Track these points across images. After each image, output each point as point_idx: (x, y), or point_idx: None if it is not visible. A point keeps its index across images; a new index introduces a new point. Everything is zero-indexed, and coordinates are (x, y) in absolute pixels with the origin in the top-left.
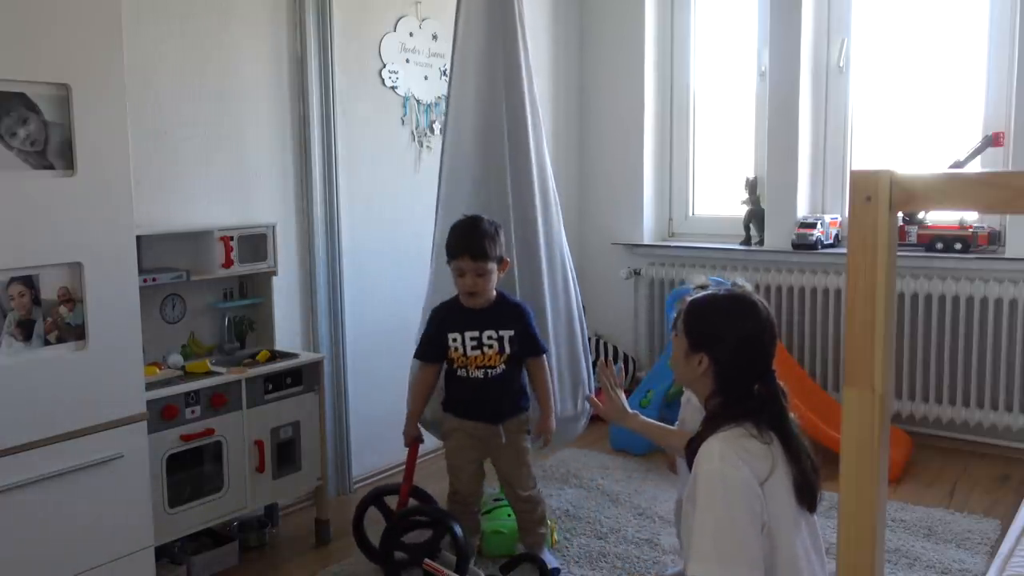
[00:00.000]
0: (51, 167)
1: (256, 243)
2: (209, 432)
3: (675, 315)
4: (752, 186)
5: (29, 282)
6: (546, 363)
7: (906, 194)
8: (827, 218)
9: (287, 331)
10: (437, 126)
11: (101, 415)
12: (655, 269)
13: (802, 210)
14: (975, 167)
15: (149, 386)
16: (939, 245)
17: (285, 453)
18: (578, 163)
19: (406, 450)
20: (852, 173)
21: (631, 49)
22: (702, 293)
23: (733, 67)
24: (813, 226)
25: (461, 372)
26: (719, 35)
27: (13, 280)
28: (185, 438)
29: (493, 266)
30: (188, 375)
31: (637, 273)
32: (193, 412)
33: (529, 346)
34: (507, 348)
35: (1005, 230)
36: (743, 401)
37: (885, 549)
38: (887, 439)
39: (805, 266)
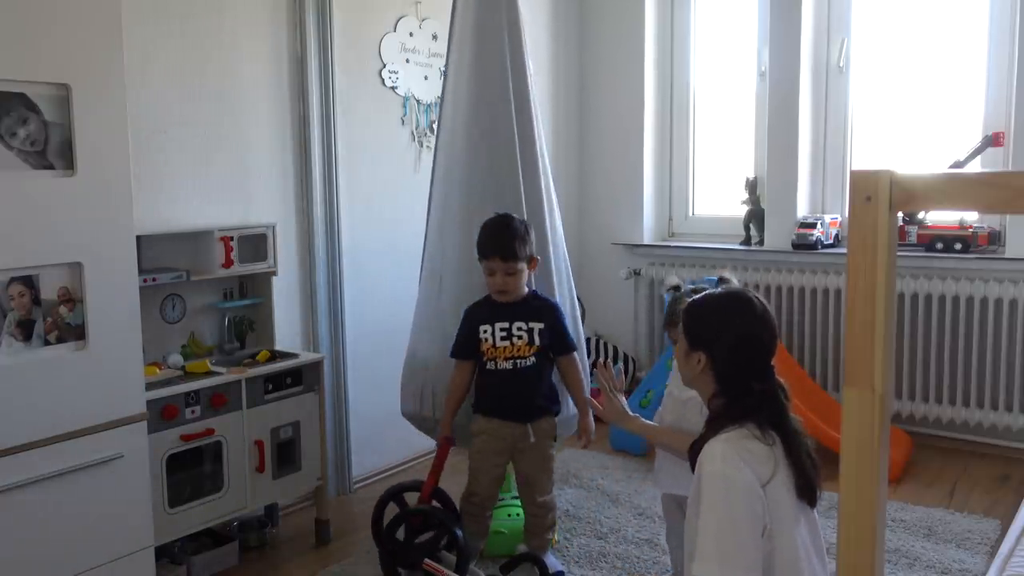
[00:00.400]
0: (51, 167)
1: (256, 243)
2: (209, 432)
3: (667, 310)
4: (752, 186)
5: (29, 282)
6: (578, 361)
7: (906, 194)
8: (827, 218)
9: (287, 331)
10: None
11: (101, 415)
12: (655, 269)
13: (802, 210)
14: (975, 167)
15: (149, 386)
16: (939, 245)
17: (285, 453)
18: (578, 163)
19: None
20: (852, 173)
21: (631, 49)
22: (701, 293)
23: (733, 67)
24: (813, 226)
25: (490, 365)
26: (719, 34)
27: (13, 280)
28: (185, 438)
29: (523, 266)
30: (188, 375)
31: (637, 273)
32: (193, 412)
33: (560, 343)
34: (536, 340)
35: (1005, 230)
36: (742, 400)
37: (885, 549)
38: (887, 439)
39: (805, 266)
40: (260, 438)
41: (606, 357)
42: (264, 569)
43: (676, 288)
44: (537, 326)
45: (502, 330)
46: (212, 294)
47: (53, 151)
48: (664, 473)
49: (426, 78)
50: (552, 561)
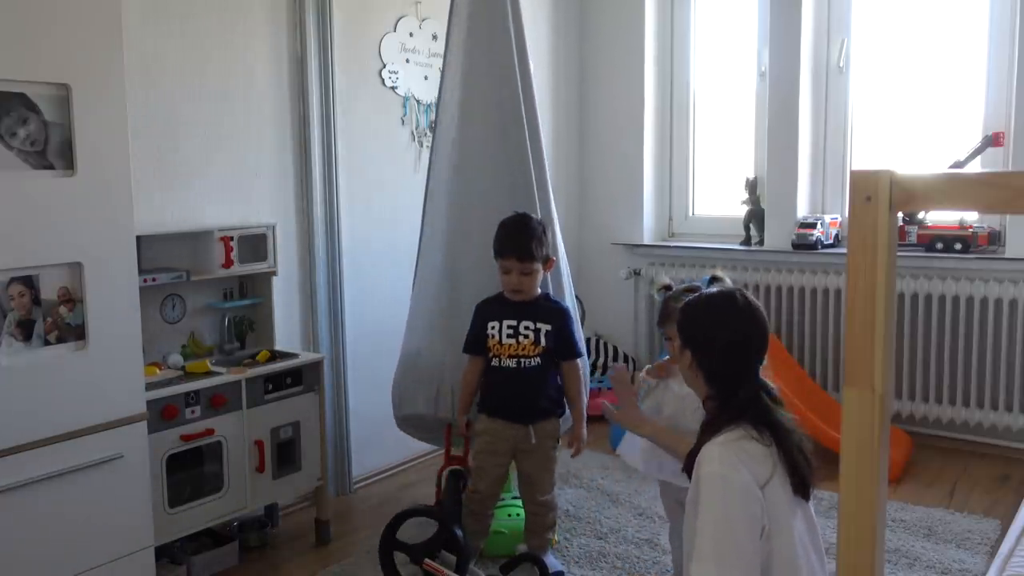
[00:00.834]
0: (51, 167)
1: (256, 243)
2: (209, 432)
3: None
4: (752, 186)
5: (29, 282)
6: (580, 369)
7: (906, 194)
8: (827, 218)
9: (287, 331)
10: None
11: (101, 415)
12: (655, 269)
13: (802, 210)
14: (975, 167)
15: (149, 386)
16: (939, 245)
17: (285, 453)
18: (578, 163)
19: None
20: (852, 173)
21: (631, 49)
22: (696, 293)
23: (733, 67)
24: (813, 226)
25: (495, 362)
26: (719, 35)
27: (13, 280)
28: (185, 438)
29: (539, 266)
30: (188, 375)
31: (637, 273)
32: (193, 412)
33: (566, 348)
34: (542, 340)
35: (1005, 230)
36: (730, 400)
37: (885, 549)
38: (887, 439)
39: (805, 266)
40: (260, 438)
41: (609, 360)
42: (264, 569)
43: (667, 288)
44: (544, 327)
45: (509, 327)
46: (212, 294)
47: (53, 151)
48: (652, 459)
49: (426, 78)
50: (552, 561)
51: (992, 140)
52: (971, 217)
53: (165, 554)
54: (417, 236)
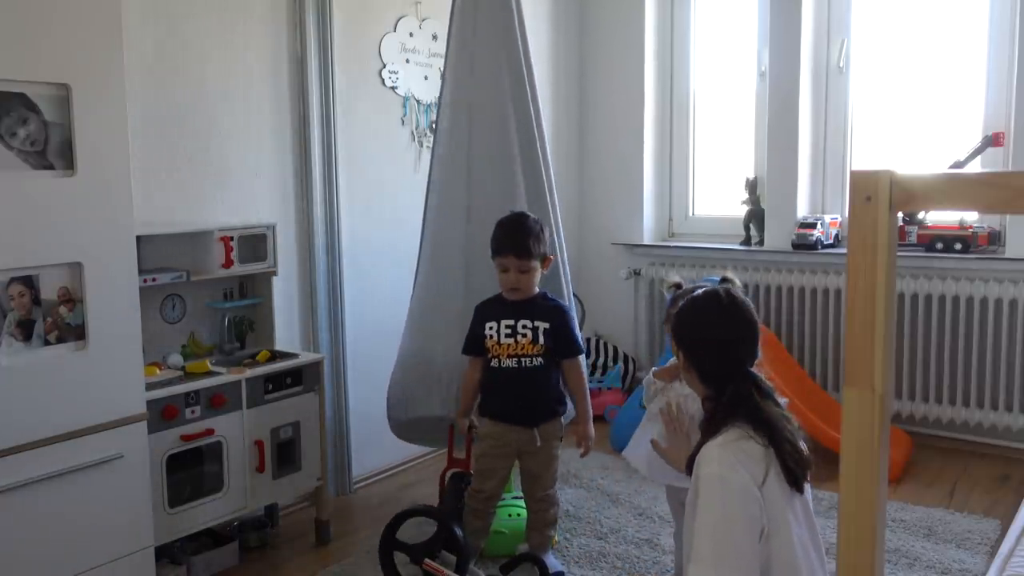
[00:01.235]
0: (51, 167)
1: (256, 243)
2: (209, 432)
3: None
4: (752, 186)
5: (29, 282)
6: (581, 366)
7: (906, 194)
8: (827, 218)
9: (287, 331)
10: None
11: (101, 415)
12: (655, 269)
13: (802, 210)
14: (975, 167)
15: (149, 386)
16: (939, 245)
17: (285, 453)
18: (578, 163)
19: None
20: (852, 173)
21: (631, 49)
22: (696, 292)
23: (733, 67)
24: (813, 226)
25: (494, 363)
26: (719, 35)
27: (13, 280)
28: (185, 438)
29: (536, 264)
30: (188, 375)
31: (637, 273)
32: (193, 412)
33: (565, 345)
34: (541, 339)
35: (1005, 230)
36: (720, 399)
37: (885, 549)
38: (887, 439)
39: (805, 266)
40: (260, 438)
41: (606, 357)
42: (264, 569)
43: (677, 286)
44: (543, 325)
45: (507, 327)
46: (212, 294)
47: (53, 151)
48: (657, 462)
49: (426, 78)
50: (552, 561)
51: (992, 140)
52: (971, 217)
53: (165, 554)
54: (417, 236)
